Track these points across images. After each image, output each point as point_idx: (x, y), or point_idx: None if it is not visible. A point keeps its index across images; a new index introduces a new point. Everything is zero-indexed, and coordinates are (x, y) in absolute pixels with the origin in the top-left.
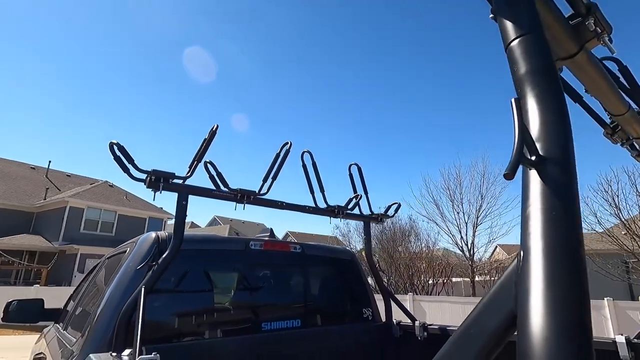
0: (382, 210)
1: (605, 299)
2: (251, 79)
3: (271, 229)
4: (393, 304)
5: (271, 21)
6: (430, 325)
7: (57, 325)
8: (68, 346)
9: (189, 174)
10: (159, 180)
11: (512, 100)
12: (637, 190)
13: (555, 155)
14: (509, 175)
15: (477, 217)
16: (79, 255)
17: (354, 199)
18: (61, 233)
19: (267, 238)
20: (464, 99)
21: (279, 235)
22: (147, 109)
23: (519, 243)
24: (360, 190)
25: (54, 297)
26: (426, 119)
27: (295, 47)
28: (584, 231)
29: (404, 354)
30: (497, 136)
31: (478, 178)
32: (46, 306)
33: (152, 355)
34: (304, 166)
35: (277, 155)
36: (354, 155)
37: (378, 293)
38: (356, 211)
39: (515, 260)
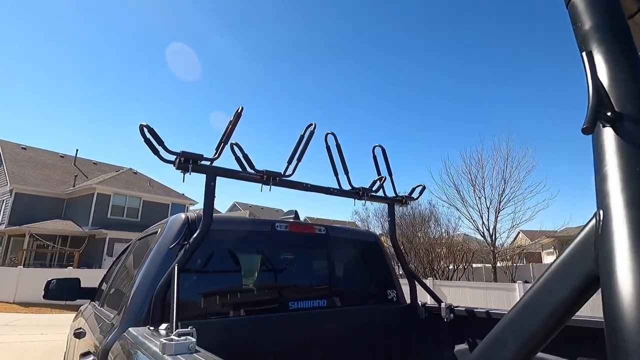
0: (406, 193)
1: None
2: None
3: (295, 211)
4: (418, 287)
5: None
6: (456, 307)
7: (94, 303)
8: (107, 321)
9: (216, 155)
10: (187, 161)
11: (584, 53)
12: None
13: (632, 111)
14: (588, 129)
15: (500, 202)
16: (107, 240)
17: (378, 181)
18: (90, 218)
19: (292, 220)
20: (483, 85)
21: None
22: (165, 99)
23: (596, 202)
24: (384, 173)
25: (87, 278)
26: (445, 104)
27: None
28: None
29: (430, 335)
30: (520, 122)
31: (501, 162)
32: (81, 286)
33: (189, 329)
34: (328, 148)
35: (302, 136)
36: (374, 138)
37: (402, 277)
38: (380, 193)
39: (593, 221)
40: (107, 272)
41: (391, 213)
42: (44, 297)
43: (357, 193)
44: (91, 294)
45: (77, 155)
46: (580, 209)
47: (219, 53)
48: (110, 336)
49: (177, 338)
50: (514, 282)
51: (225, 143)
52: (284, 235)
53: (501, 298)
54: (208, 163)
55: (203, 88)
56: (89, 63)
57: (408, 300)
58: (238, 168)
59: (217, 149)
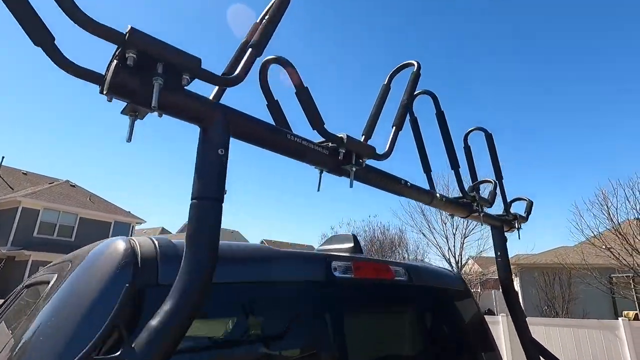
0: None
1: (620, 318)
2: None
3: (354, 236)
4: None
5: None
6: None
7: None
8: None
9: (238, 72)
10: (151, 69)
11: None
12: (628, 200)
13: None
14: None
15: (466, 228)
16: (30, 262)
17: (474, 189)
18: (10, 237)
19: (351, 255)
20: (453, 105)
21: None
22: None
23: None
24: (480, 173)
25: None
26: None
27: None
28: (577, 242)
29: None
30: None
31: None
32: None
33: None
34: (415, 121)
35: (386, 88)
36: None
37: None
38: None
39: None
40: None
41: (501, 242)
42: None
43: (469, 205)
44: None
45: (3, 164)
46: (543, 235)
47: None
48: None
49: None
50: (486, 312)
51: (257, 54)
52: (348, 287)
53: None
54: (212, 95)
55: None
56: (25, 58)
57: None
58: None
59: (231, 66)
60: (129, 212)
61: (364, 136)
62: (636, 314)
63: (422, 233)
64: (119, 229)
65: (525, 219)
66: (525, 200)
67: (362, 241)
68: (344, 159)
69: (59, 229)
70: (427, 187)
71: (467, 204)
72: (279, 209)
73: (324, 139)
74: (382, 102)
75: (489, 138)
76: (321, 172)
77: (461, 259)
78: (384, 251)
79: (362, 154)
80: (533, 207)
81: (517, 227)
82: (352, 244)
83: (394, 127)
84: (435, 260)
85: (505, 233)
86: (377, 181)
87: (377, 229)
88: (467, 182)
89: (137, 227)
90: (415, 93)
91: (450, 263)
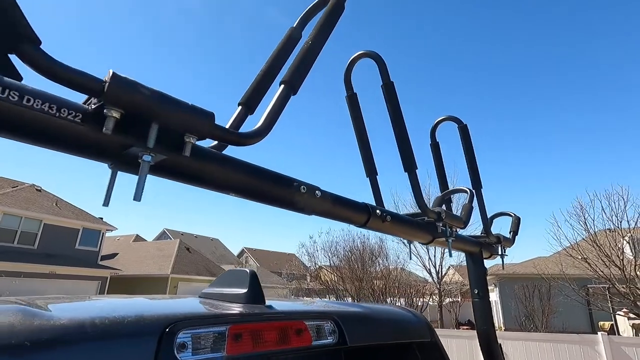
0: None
1: (600, 333)
2: None
3: (252, 274)
4: None
5: None
6: None
7: None
8: None
9: None
10: None
11: None
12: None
13: None
14: None
15: None
16: None
17: (443, 201)
18: None
19: (241, 310)
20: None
21: (234, 251)
22: None
23: None
24: (453, 179)
25: None
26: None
27: None
28: (553, 253)
29: None
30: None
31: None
32: None
33: None
34: (352, 99)
35: (290, 35)
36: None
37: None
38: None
39: None
40: None
41: (480, 273)
42: None
43: (432, 226)
44: None
45: None
46: (524, 247)
47: None
48: None
49: None
50: (462, 324)
51: None
52: None
53: (463, 347)
54: None
55: None
56: None
57: None
58: None
59: None
60: (101, 218)
61: (240, 107)
62: (612, 324)
63: (403, 242)
64: (87, 236)
65: (512, 241)
66: (511, 215)
67: (341, 251)
68: (126, 133)
69: (20, 236)
70: (370, 197)
71: (429, 225)
72: (261, 216)
73: (88, 98)
74: (281, 56)
75: (464, 131)
76: (112, 169)
77: (442, 268)
78: (364, 260)
79: (182, 125)
80: (520, 225)
81: (500, 253)
82: (245, 290)
83: (282, 85)
84: (417, 270)
85: (485, 262)
86: (231, 182)
87: (357, 239)
88: (429, 191)
89: (107, 235)
90: (354, 55)
91: (430, 272)
